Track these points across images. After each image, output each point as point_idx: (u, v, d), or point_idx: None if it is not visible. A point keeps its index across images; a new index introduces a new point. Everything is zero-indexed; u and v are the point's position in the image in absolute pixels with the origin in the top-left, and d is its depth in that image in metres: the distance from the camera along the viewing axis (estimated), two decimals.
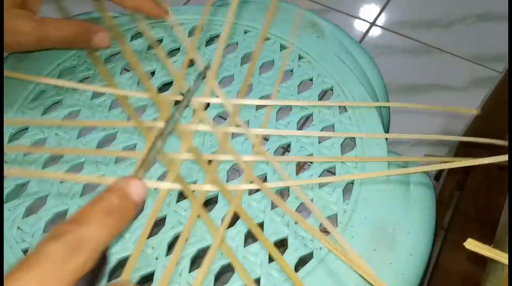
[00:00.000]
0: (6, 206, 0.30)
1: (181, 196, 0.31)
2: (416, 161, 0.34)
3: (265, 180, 0.32)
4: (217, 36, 0.41)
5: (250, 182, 0.30)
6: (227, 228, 0.29)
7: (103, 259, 0.20)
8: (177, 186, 0.30)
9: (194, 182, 0.31)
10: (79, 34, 0.32)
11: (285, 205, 0.29)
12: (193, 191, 0.30)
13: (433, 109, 0.35)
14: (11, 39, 0.29)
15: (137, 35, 0.40)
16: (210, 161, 0.32)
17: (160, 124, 0.31)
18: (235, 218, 0.30)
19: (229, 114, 0.35)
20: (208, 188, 0.30)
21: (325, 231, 0.30)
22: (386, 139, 0.34)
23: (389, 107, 0.41)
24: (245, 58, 0.39)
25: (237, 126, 0.34)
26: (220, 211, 0.30)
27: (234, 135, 0.34)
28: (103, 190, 0.20)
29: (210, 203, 0.30)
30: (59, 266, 0.17)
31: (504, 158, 0.26)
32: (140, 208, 0.29)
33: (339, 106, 0.36)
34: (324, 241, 0.28)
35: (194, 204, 0.29)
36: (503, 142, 0.29)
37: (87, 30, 0.32)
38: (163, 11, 0.35)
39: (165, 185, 0.30)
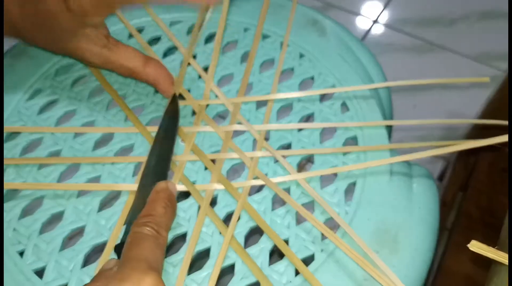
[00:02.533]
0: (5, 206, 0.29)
1: (181, 196, 0.30)
2: (417, 147, 0.33)
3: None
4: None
5: (256, 178, 0.30)
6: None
7: None
8: (182, 187, 0.30)
9: (193, 183, 0.31)
10: (145, 74, 0.33)
11: (290, 199, 0.29)
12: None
13: (443, 82, 0.34)
14: (81, 55, 0.31)
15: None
16: (213, 161, 0.32)
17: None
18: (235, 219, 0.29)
19: (230, 113, 0.34)
20: (215, 187, 0.30)
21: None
22: (389, 138, 0.34)
23: (391, 107, 0.41)
24: (245, 56, 0.39)
25: (239, 124, 0.33)
26: (222, 211, 0.29)
27: (234, 135, 0.33)
28: (153, 191, 0.27)
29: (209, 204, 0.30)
30: (155, 240, 0.24)
31: (504, 138, 0.26)
32: None
33: (341, 106, 0.35)
34: (332, 237, 0.27)
35: (202, 204, 0.29)
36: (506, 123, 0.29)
37: (158, 75, 0.33)
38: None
39: None
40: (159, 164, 0.30)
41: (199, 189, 0.30)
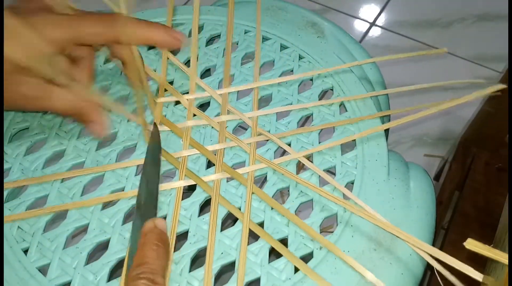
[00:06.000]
0: (6, 205, 0.30)
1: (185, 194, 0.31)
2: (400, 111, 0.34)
3: (264, 180, 0.32)
4: (217, 36, 0.41)
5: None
6: (222, 230, 0.29)
7: None
8: (190, 182, 0.31)
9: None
10: (79, 113, 0.30)
11: (297, 177, 0.30)
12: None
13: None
14: (12, 99, 0.28)
15: None
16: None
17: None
18: (234, 219, 0.30)
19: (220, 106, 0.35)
20: (220, 176, 0.31)
21: (323, 231, 0.30)
22: (386, 138, 0.34)
23: (389, 108, 0.41)
24: (246, 58, 0.39)
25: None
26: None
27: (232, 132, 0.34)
28: (142, 235, 0.26)
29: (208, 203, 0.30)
30: None
31: (502, 86, 0.26)
32: None
33: (339, 106, 0.36)
34: (346, 205, 0.28)
35: (212, 194, 0.30)
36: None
37: (87, 112, 0.31)
38: (178, 40, 0.32)
39: (179, 183, 0.30)
40: (147, 202, 0.28)
41: (206, 180, 0.31)
